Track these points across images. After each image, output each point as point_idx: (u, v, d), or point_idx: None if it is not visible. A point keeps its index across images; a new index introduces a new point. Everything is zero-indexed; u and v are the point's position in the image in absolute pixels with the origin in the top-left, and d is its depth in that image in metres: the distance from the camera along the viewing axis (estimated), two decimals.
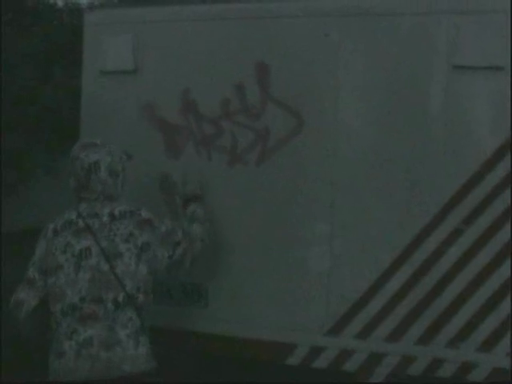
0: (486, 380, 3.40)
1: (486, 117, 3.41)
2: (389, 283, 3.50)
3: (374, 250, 3.53)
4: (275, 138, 3.67)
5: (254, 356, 3.72)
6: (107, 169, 3.05)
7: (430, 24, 3.46)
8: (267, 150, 3.69)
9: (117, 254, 2.91)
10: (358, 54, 3.58)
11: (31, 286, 3.01)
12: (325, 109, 3.62)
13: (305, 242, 3.64)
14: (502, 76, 3.34)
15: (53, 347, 2.95)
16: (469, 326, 3.40)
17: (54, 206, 3.75)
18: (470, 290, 3.39)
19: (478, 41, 3.35)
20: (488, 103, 3.40)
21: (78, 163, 3.04)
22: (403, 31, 3.51)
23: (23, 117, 7.10)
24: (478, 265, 3.38)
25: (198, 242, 3.26)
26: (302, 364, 3.65)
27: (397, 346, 3.49)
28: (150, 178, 3.84)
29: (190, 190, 3.59)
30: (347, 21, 3.59)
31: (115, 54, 3.98)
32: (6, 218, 8.83)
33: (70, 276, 2.90)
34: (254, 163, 3.72)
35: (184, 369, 4.58)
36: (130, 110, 3.98)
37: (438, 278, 3.43)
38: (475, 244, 3.39)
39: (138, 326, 2.90)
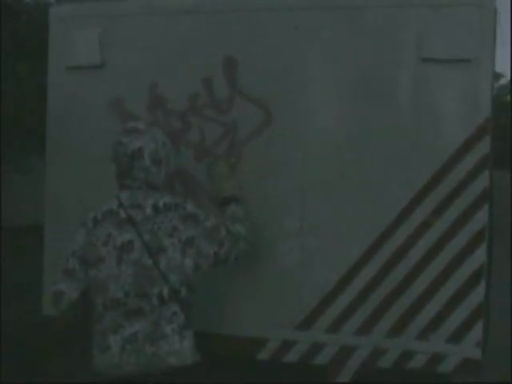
0: (457, 370, 3.42)
1: (454, 109, 3.43)
2: (359, 276, 3.51)
3: (344, 243, 3.53)
4: (243, 132, 3.66)
5: (225, 351, 3.71)
6: (150, 156, 2.94)
7: (398, 17, 3.47)
8: (235, 144, 3.67)
9: (160, 249, 2.83)
10: (327, 48, 3.57)
11: (71, 276, 2.95)
12: (294, 102, 3.61)
13: (275, 236, 3.62)
14: (470, 68, 3.35)
15: (96, 341, 2.91)
16: (438, 318, 3.42)
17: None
18: (439, 281, 3.41)
19: (446, 33, 3.36)
20: (456, 95, 3.42)
21: (121, 149, 2.94)
22: (372, 24, 3.51)
23: None
24: (446, 257, 3.40)
25: (242, 242, 3.10)
26: (272, 358, 3.65)
27: (367, 339, 3.50)
28: None
29: (230, 192, 3.44)
30: (316, 14, 3.58)
31: (82, 49, 3.93)
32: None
33: (112, 269, 2.84)
34: (222, 157, 3.69)
35: None
36: (98, 105, 3.93)
37: (408, 271, 3.45)
38: (444, 236, 3.41)
39: (183, 320, 2.86)
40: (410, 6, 3.45)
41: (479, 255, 3.36)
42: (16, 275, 8.34)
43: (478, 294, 3.37)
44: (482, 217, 3.36)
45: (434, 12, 3.38)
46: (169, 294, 2.82)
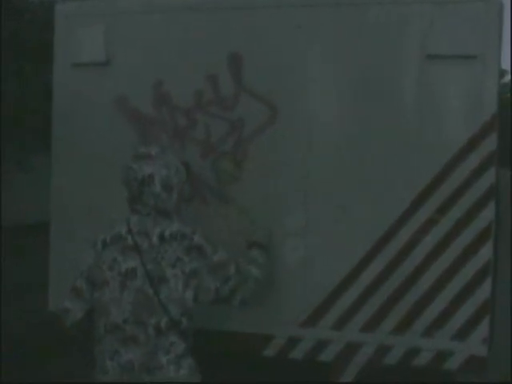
0: (462, 368, 3.42)
1: (459, 106, 3.43)
2: (364, 273, 3.51)
3: (349, 240, 3.53)
4: (249, 129, 3.66)
5: (231, 348, 3.71)
6: (161, 182, 2.90)
7: (403, 13, 3.46)
8: (241, 141, 3.67)
9: (162, 279, 2.80)
10: (331, 45, 3.58)
11: (78, 296, 2.97)
12: (298, 99, 3.61)
13: (279, 233, 3.61)
14: (475, 65, 3.35)
15: (97, 362, 2.91)
16: (444, 315, 3.42)
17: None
18: (445, 279, 3.41)
19: (451, 30, 3.36)
20: (462, 92, 3.41)
21: (132, 174, 2.91)
22: (376, 21, 3.50)
23: None
24: (452, 254, 3.40)
25: (251, 283, 3.04)
26: (278, 355, 3.64)
27: (372, 336, 3.50)
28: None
29: (256, 237, 3.43)
30: (320, 11, 3.57)
31: (87, 46, 3.93)
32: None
33: (114, 294, 2.84)
34: (228, 154, 3.69)
35: None
36: (103, 102, 3.92)
37: (413, 268, 3.45)
38: (449, 233, 3.41)
39: (181, 349, 2.83)
40: (414, 2, 3.45)
41: (485, 253, 3.36)
42: (16, 275, 8.34)
43: (483, 291, 3.37)
44: (488, 214, 3.36)
45: (438, 8, 3.38)
46: (167, 324, 2.80)
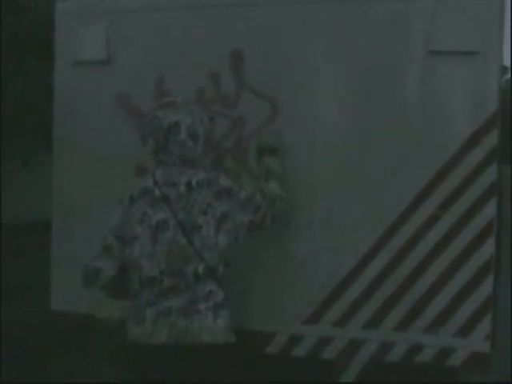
0: (465, 364, 3.42)
1: (461, 102, 3.42)
2: (366, 270, 3.50)
3: (352, 237, 3.53)
4: (251, 127, 3.65)
5: (234, 345, 3.70)
6: (187, 131, 2.93)
7: (405, 9, 3.46)
8: (243, 139, 3.67)
9: (195, 227, 2.82)
10: (334, 41, 3.57)
11: (109, 253, 2.96)
12: (301, 96, 3.60)
13: (283, 230, 3.61)
14: (477, 61, 3.35)
15: (132, 314, 2.91)
16: (447, 312, 3.42)
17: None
18: (448, 275, 3.41)
19: (453, 26, 3.35)
20: (464, 88, 3.41)
21: (157, 123, 2.94)
22: (379, 17, 3.50)
23: None
24: (454, 251, 3.40)
25: (278, 201, 3.13)
26: (280, 352, 3.64)
27: (375, 333, 3.50)
28: (125, 168, 3.81)
29: (266, 142, 3.43)
30: (323, 8, 3.57)
31: (88, 44, 3.93)
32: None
33: (146, 248, 2.85)
34: (229, 152, 3.69)
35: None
36: (104, 100, 3.93)
37: (416, 264, 3.44)
38: (452, 230, 3.40)
39: (220, 298, 2.86)
40: None
41: (487, 249, 3.36)
42: (16, 275, 8.33)
43: (486, 288, 3.37)
44: (490, 211, 3.35)
45: (440, 5, 3.38)
46: (204, 271, 2.82)
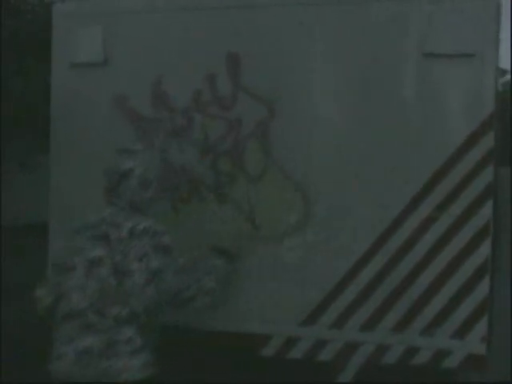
0: (461, 366, 3.42)
1: (458, 104, 3.43)
2: (362, 273, 3.50)
3: (348, 239, 3.53)
4: (247, 129, 3.66)
5: (230, 348, 3.71)
6: (139, 178, 2.99)
7: (401, 12, 3.46)
8: (239, 141, 3.66)
9: (127, 272, 2.85)
10: (331, 43, 3.58)
11: (47, 282, 3.03)
12: (298, 98, 3.61)
13: (279, 232, 3.62)
14: (473, 63, 3.35)
15: (54, 347, 2.93)
16: (443, 314, 3.42)
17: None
18: (444, 277, 3.41)
19: (449, 28, 3.36)
20: (460, 90, 3.41)
21: (112, 168, 3.02)
22: (376, 19, 3.51)
23: None
24: (451, 252, 3.40)
25: (209, 296, 3.06)
26: (277, 355, 3.64)
27: (371, 335, 3.50)
28: None
29: (222, 244, 3.47)
30: (320, 9, 3.57)
31: (85, 46, 3.94)
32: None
33: (79, 280, 2.87)
34: (226, 154, 3.69)
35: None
36: (101, 102, 3.93)
37: (412, 267, 3.45)
38: (448, 231, 3.40)
39: (138, 344, 2.85)
40: (413, 0, 3.45)
41: (484, 250, 3.36)
42: (15, 275, 8.32)
43: (482, 290, 3.37)
44: (486, 212, 3.35)
45: (438, 7, 3.38)
46: (127, 316, 2.83)
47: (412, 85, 3.47)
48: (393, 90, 3.49)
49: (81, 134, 3.97)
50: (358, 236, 3.51)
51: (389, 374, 3.73)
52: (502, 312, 4.60)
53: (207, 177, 3.72)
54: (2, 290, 7.24)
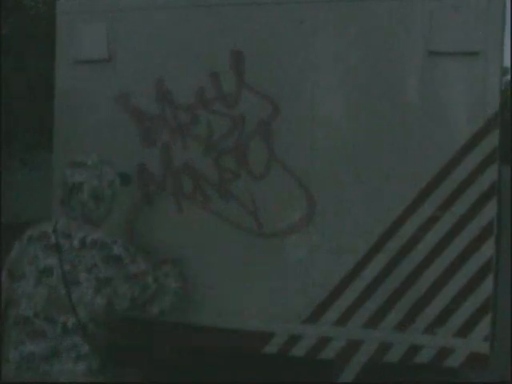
0: (464, 365, 3.42)
1: (462, 103, 3.41)
2: (366, 270, 3.50)
3: (351, 237, 3.53)
4: (251, 126, 3.65)
5: (233, 346, 3.71)
6: (90, 192, 3.03)
7: (405, 10, 3.45)
8: (243, 138, 3.66)
9: (76, 281, 2.88)
10: (334, 41, 3.57)
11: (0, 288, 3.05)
12: (301, 96, 3.60)
13: (282, 230, 3.62)
14: (477, 61, 3.34)
15: (3, 351, 2.96)
16: (446, 312, 3.42)
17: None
18: (447, 275, 3.41)
19: (453, 26, 3.35)
20: (464, 89, 3.40)
21: (64, 179, 3.04)
22: (379, 17, 3.49)
23: None
24: (454, 251, 3.39)
25: (170, 295, 3.18)
26: (279, 352, 3.64)
27: (374, 333, 3.50)
28: (126, 168, 3.80)
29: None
30: (322, 7, 3.57)
31: (89, 43, 3.93)
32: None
33: (28, 288, 2.91)
34: (230, 151, 3.69)
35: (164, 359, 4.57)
36: (105, 99, 3.93)
37: (415, 265, 3.44)
38: (452, 230, 3.40)
39: (84, 352, 2.88)
40: None
41: (487, 249, 3.35)
42: None
43: (485, 289, 3.36)
44: (490, 211, 3.35)
45: (441, 4, 3.37)
46: (73, 325, 2.85)
47: (415, 84, 3.46)
48: (396, 89, 3.48)
49: (84, 131, 3.97)
50: (361, 234, 3.50)
51: (391, 372, 3.73)
52: (503, 312, 4.59)
53: (210, 174, 3.72)
54: None
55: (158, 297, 3.10)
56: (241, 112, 3.67)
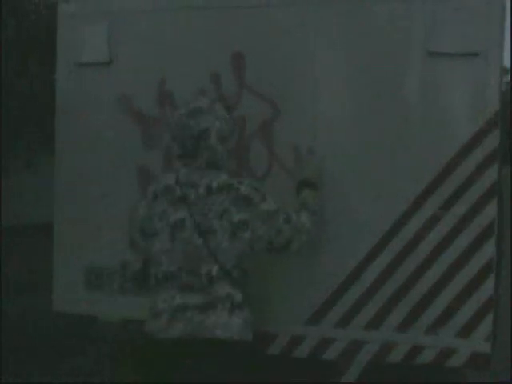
0: (466, 365, 3.42)
1: (462, 103, 3.42)
2: (367, 271, 3.50)
3: (353, 238, 3.53)
4: (251, 128, 3.66)
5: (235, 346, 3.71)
6: (217, 135, 3.01)
7: (405, 10, 3.45)
8: (244, 140, 3.67)
9: (210, 230, 2.86)
10: (335, 42, 3.57)
11: (134, 247, 3.08)
12: (302, 98, 3.61)
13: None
14: (478, 62, 3.34)
15: (150, 308, 2.98)
16: (448, 312, 3.41)
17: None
18: (449, 276, 3.41)
19: (453, 27, 3.35)
20: (464, 89, 3.40)
21: (187, 132, 2.99)
22: (379, 18, 3.50)
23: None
24: (455, 251, 3.39)
25: (304, 234, 3.06)
26: (282, 353, 3.64)
27: (376, 334, 3.50)
28: (127, 170, 3.82)
29: (307, 174, 3.39)
30: (323, 9, 3.57)
31: (90, 45, 3.94)
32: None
33: (165, 245, 2.92)
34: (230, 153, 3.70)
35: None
36: (106, 101, 3.94)
37: (416, 265, 3.44)
38: (453, 231, 3.40)
39: (237, 301, 2.91)
40: None
41: (488, 249, 3.35)
42: (17, 275, 8.34)
43: (487, 288, 3.36)
44: (490, 211, 3.35)
45: (441, 5, 3.38)
46: (217, 273, 2.86)
47: (415, 84, 3.46)
48: (396, 90, 3.48)
49: (85, 133, 3.98)
50: (363, 235, 3.51)
51: (393, 372, 3.73)
52: (503, 312, 4.60)
53: None
54: (3, 289, 7.26)
55: (293, 237, 3.03)
56: (241, 114, 3.67)
